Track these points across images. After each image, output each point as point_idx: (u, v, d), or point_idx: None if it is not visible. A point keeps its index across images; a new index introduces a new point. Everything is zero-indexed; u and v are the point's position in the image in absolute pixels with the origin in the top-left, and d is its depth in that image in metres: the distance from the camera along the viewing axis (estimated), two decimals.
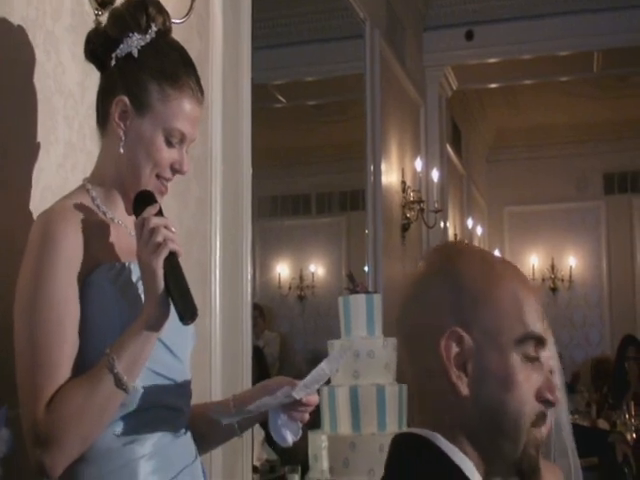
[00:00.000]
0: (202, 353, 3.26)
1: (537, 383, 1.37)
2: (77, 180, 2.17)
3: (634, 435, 5.72)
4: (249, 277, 3.62)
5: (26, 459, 1.79)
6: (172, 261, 1.83)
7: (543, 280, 12.07)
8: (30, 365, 1.79)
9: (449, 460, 1.33)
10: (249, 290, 3.63)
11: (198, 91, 2.02)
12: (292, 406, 2.04)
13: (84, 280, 1.86)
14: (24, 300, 1.82)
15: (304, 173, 9.13)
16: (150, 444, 1.92)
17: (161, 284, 1.80)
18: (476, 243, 10.29)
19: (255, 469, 4.25)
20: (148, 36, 1.98)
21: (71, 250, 1.84)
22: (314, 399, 2.08)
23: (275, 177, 9.23)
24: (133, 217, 1.95)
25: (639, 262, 11.85)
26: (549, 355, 2.08)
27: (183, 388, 2.03)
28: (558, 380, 2.27)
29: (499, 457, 1.36)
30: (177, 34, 2.96)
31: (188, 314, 1.81)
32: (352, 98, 6.96)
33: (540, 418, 1.38)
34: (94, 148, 2.28)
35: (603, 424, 6.77)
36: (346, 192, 9.33)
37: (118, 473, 1.87)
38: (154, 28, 2.00)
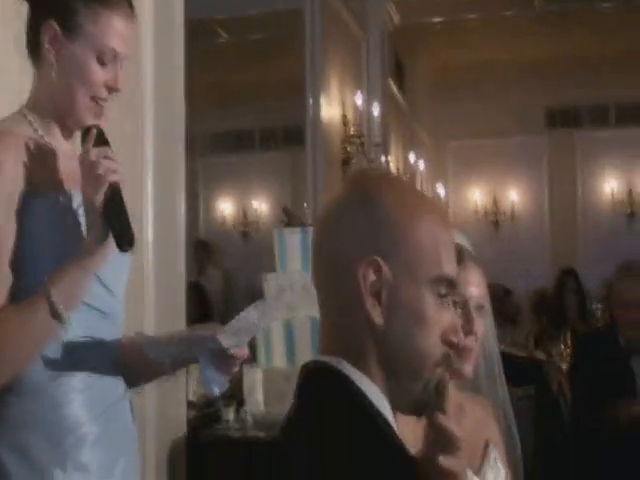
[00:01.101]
0: (135, 288, 3.26)
1: (445, 324, 1.40)
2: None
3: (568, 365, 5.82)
4: (183, 212, 3.62)
5: None
6: (113, 191, 1.83)
7: (486, 214, 12.15)
8: None
9: (354, 386, 1.35)
10: (183, 225, 3.63)
11: (127, 6, 1.99)
12: (221, 358, 2.05)
13: (23, 208, 1.85)
14: None
15: (248, 109, 9.05)
16: (79, 377, 1.93)
17: (100, 217, 1.81)
18: (418, 177, 10.32)
19: (192, 404, 4.27)
20: None
21: (7, 177, 1.83)
22: (243, 352, 2.08)
23: (219, 114, 9.16)
24: (71, 143, 1.94)
25: (580, 197, 11.97)
26: (467, 296, 2.13)
27: (115, 322, 2.04)
28: (487, 315, 2.30)
29: (403, 390, 1.39)
30: None
31: (125, 241, 1.82)
32: (294, 33, 6.90)
33: (445, 359, 1.40)
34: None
35: (540, 355, 6.87)
36: (290, 128, 9.26)
37: (47, 405, 1.88)
38: None
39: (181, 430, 3.74)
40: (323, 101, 6.16)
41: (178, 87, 3.61)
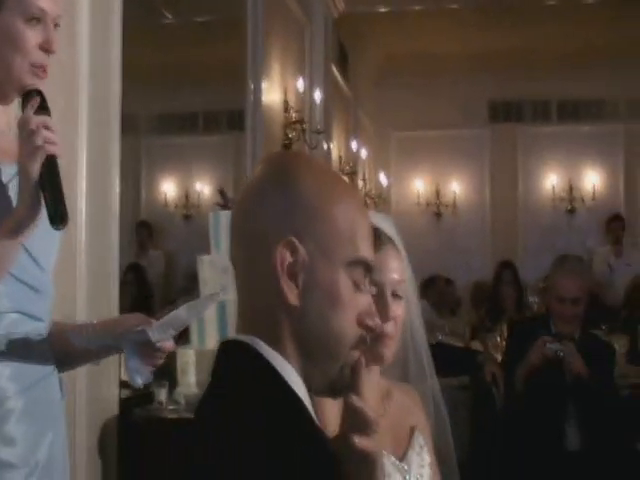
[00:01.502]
0: (67, 267, 3.24)
1: (361, 308, 1.41)
2: None
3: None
4: (117, 190, 3.59)
5: None
6: (50, 163, 1.81)
7: (428, 205, 12.22)
8: None
9: (269, 365, 1.35)
10: (117, 203, 3.60)
11: None
12: (147, 350, 2.05)
13: None
14: None
15: (192, 91, 9.00)
16: (6, 349, 1.91)
17: (35, 187, 1.78)
18: (360, 166, 10.34)
19: (125, 384, 4.25)
20: None
21: None
22: (168, 345, 2.09)
23: (164, 95, 9.08)
24: (6, 113, 1.92)
25: (521, 191, 12.09)
26: (383, 281, 2.13)
27: (44, 297, 2.02)
28: (412, 301, 2.31)
29: (318, 371, 1.40)
30: None
31: (59, 218, 1.80)
32: (238, 16, 6.86)
33: (360, 342, 1.41)
34: None
35: (476, 345, 6.94)
36: (234, 111, 9.23)
37: None
38: None
39: (113, 410, 3.72)
40: (265, 86, 6.15)
41: (115, 65, 3.58)
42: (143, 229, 8.67)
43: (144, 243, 8.45)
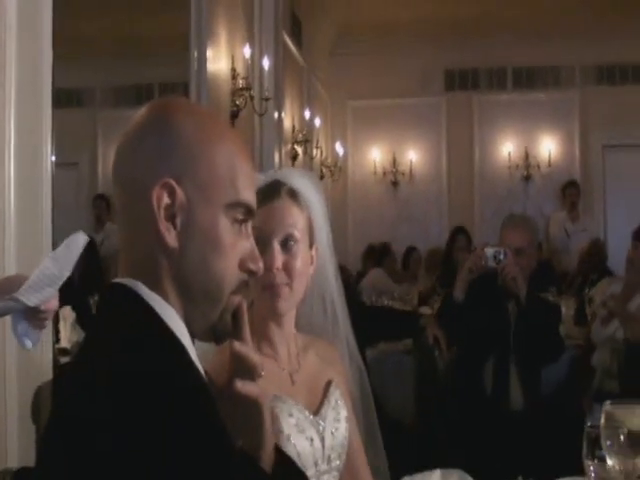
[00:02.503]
0: None
1: (243, 252, 1.41)
2: None
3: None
4: (50, 160, 3.56)
5: None
6: None
7: (384, 174, 12.22)
8: None
9: (150, 308, 1.35)
10: (49, 171, 3.58)
11: None
12: (33, 312, 2.04)
13: None
14: None
15: (147, 62, 8.93)
16: None
17: None
18: (315, 135, 10.32)
19: (65, 351, 4.25)
20: None
21: None
22: (52, 304, 2.07)
23: (118, 66, 9.01)
24: None
25: (477, 158, 12.12)
26: (270, 230, 2.14)
27: None
28: (326, 258, 2.33)
29: (199, 315, 1.40)
30: None
31: None
32: None
33: (241, 287, 1.42)
34: None
35: (425, 311, 6.98)
36: (184, 82, 9.17)
37: None
38: None
39: (47, 376, 3.70)
40: (210, 54, 6.11)
41: (46, 32, 3.53)
42: (99, 202, 8.61)
43: (101, 216, 8.38)
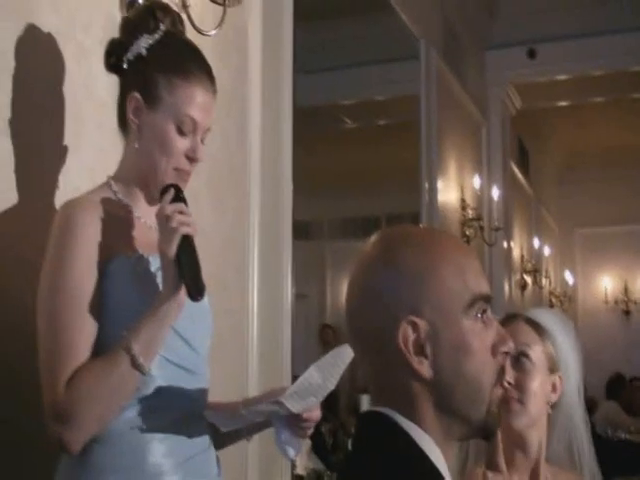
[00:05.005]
0: (238, 358, 3.33)
1: (492, 341, 1.39)
2: None
3: None
4: (289, 291, 3.65)
5: None
6: (185, 242, 1.90)
7: (616, 303, 11.89)
8: (51, 346, 1.87)
9: (408, 437, 1.35)
10: (289, 303, 3.64)
11: (207, 79, 2.09)
12: (295, 421, 2.07)
13: (102, 269, 1.93)
14: (46, 285, 1.90)
15: (374, 194, 9.15)
16: (163, 428, 1.97)
17: (174, 268, 1.87)
18: (544, 264, 10.19)
19: (300, 478, 4.28)
20: (156, 35, 2.08)
21: (90, 239, 1.92)
22: (315, 415, 2.10)
23: (346, 199, 9.27)
24: (154, 210, 2.02)
25: None
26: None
27: (198, 378, 2.08)
28: (573, 390, 2.32)
29: (464, 422, 1.38)
30: (214, 49, 3.07)
31: (194, 290, 1.87)
32: (414, 118, 6.97)
33: (500, 375, 1.40)
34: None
35: None
36: (417, 214, 9.29)
37: (130, 453, 1.93)
38: (162, 28, 2.09)
39: None
40: (440, 185, 6.19)
41: (286, 169, 3.66)
42: (328, 330, 9.04)
43: (328, 344, 8.69)
